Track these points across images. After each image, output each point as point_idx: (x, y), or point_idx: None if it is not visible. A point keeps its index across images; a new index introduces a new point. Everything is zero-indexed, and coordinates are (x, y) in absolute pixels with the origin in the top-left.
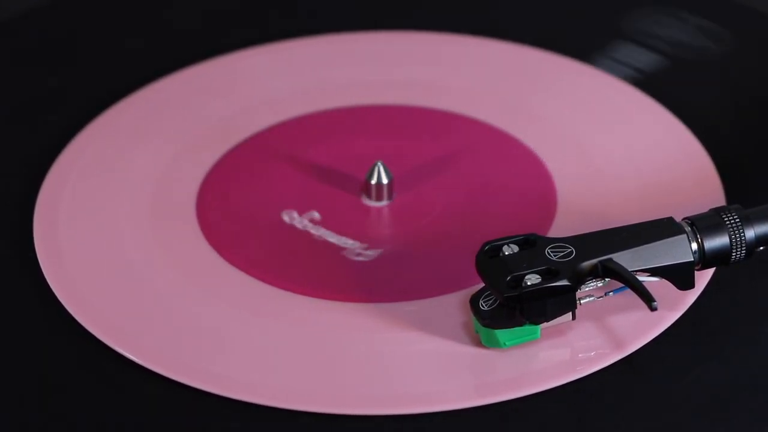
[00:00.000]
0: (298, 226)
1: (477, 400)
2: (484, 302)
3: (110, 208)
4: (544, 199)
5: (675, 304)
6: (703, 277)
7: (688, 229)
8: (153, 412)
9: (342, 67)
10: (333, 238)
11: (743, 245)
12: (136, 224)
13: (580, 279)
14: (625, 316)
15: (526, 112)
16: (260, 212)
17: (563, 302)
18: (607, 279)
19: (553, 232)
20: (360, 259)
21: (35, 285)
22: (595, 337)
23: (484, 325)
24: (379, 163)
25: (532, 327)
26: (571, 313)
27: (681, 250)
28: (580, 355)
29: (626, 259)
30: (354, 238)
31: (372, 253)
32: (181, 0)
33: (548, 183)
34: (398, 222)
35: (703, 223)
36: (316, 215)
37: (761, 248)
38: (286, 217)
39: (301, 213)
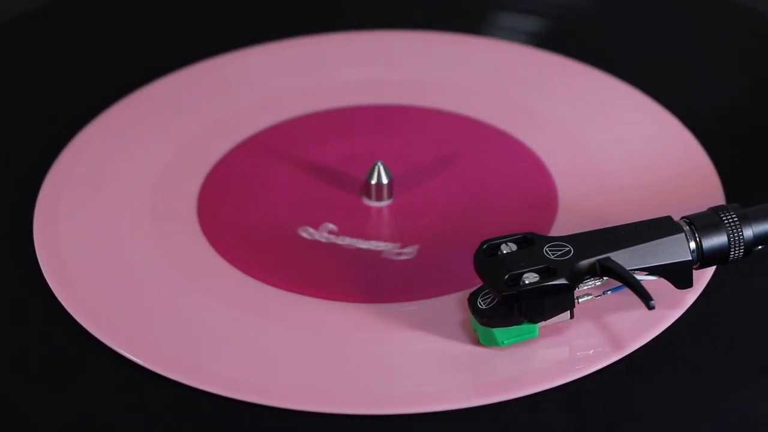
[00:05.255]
0: (321, 240)
1: (475, 399)
2: (482, 301)
3: (110, 209)
4: (544, 198)
5: (674, 304)
6: (703, 277)
7: (686, 228)
8: (153, 412)
9: (342, 67)
10: (364, 244)
11: (741, 244)
12: (136, 224)
13: (578, 278)
14: (624, 316)
15: (526, 112)
16: (261, 212)
17: (561, 301)
18: (605, 278)
19: (553, 232)
20: (402, 258)
21: (35, 285)
22: (594, 336)
23: (483, 324)
24: (379, 163)
25: (530, 326)
26: (569, 311)
27: (679, 249)
28: (578, 354)
29: (624, 257)
30: (385, 239)
31: (410, 250)
32: (181, 0)
33: (548, 182)
34: (398, 222)
35: (701, 222)
36: (332, 226)
37: (759, 247)
38: (304, 234)
39: (316, 227)
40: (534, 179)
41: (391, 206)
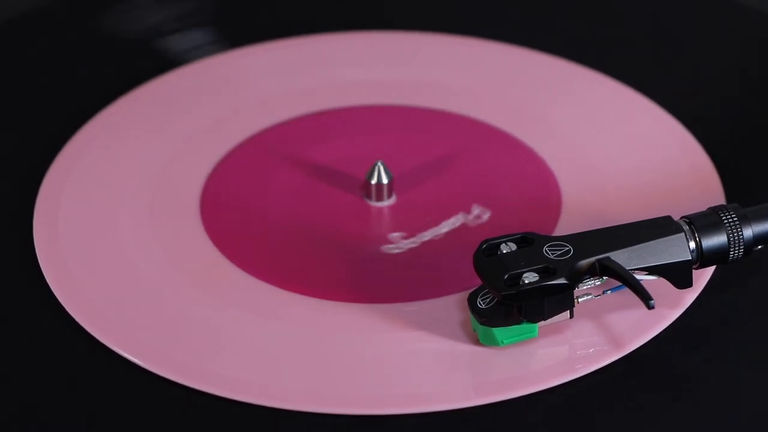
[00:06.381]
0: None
1: (474, 399)
2: (481, 300)
3: (110, 208)
4: (547, 198)
5: (674, 304)
6: (703, 276)
7: (685, 227)
8: (153, 412)
9: (342, 67)
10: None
11: (741, 244)
12: (137, 224)
13: (577, 277)
14: (624, 315)
15: (526, 113)
16: (261, 212)
17: (561, 301)
18: (604, 277)
19: (555, 232)
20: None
21: (35, 285)
22: (594, 335)
23: (482, 324)
24: (379, 163)
25: (530, 325)
26: (568, 311)
27: (678, 248)
28: (578, 354)
29: (624, 257)
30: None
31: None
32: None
33: (552, 183)
34: (398, 222)
35: (701, 222)
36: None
37: (759, 247)
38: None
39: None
40: (535, 179)
41: (391, 206)
